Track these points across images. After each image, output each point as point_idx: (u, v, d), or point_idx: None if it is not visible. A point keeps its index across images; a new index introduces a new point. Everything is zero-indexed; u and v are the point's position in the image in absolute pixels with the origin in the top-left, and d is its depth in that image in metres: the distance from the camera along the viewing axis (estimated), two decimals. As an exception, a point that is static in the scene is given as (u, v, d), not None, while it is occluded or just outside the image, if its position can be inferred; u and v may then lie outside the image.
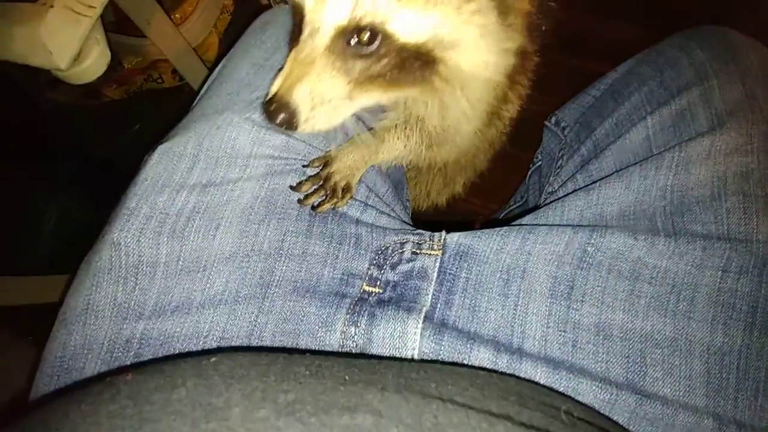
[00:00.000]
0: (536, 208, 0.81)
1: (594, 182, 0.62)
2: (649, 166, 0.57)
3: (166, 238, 0.54)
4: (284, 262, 0.56)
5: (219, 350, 0.48)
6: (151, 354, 0.50)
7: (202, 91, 0.69)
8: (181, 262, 0.54)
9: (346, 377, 0.32)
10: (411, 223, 0.70)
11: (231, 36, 1.40)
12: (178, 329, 0.51)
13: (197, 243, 0.55)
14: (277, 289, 0.54)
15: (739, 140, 0.55)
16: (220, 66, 0.72)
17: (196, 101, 0.69)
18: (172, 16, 1.37)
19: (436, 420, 0.28)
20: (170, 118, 0.69)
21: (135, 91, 1.58)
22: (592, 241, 0.53)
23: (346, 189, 0.61)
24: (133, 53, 1.41)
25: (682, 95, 0.61)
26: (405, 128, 0.66)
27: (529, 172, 0.94)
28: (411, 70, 0.51)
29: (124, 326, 0.51)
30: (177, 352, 0.50)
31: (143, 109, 1.55)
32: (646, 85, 0.66)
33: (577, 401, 0.45)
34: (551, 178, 0.77)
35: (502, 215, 1.04)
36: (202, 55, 1.41)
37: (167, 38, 1.18)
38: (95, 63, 0.79)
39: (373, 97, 0.52)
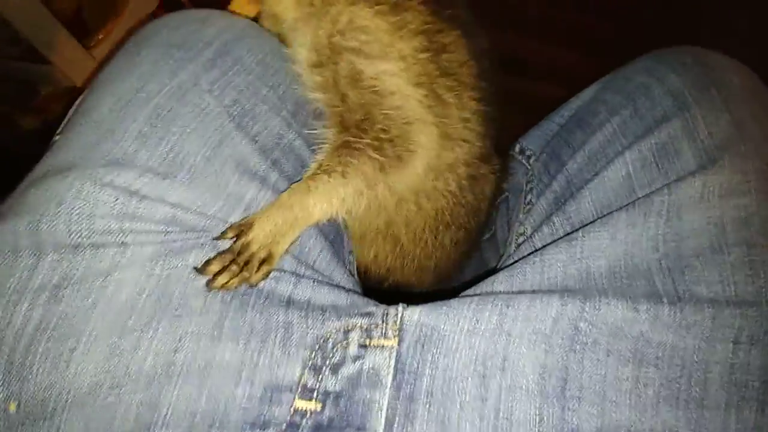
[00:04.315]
0: (501, 249, 0.72)
1: (575, 229, 0.54)
2: (635, 212, 0.50)
3: None
4: (176, 386, 0.41)
5: None
6: None
7: (54, 138, 0.52)
8: (22, 409, 0.39)
9: None
10: (357, 290, 0.57)
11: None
12: None
13: (43, 377, 0.40)
14: None
15: (733, 179, 0.48)
16: (79, 100, 0.55)
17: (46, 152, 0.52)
18: (96, 37, 1.22)
19: None
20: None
21: (54, 120, 1.43)
22: (585, 315, 0.43)
23: (266, 260, 0.49)
24: (46, 81, 1.26)
25: (662, 127, 0.54)
26: (337, 153, 0.54)
27: (496, 203, 0.85)
28: None
29: None
30: None
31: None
32: (618, 115, 0.59)
33: None
34: (521, 215, 0.69)
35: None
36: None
37: (76, 63, 1.04)
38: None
39: None
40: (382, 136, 0.55)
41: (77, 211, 0.44)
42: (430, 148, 0.57)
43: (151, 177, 0.47)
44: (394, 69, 0.55)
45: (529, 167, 0.73)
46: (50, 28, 0.96)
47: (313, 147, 0.59)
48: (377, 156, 0.55)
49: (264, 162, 0.53)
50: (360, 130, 0.55)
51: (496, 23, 1.52)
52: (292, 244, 0.52)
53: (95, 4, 1.18)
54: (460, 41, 0.59)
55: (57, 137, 0.52)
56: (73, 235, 0.43)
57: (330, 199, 0.53)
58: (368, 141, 0.54)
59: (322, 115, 0.60)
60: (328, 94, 0.58)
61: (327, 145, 0.57)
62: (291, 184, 0.54)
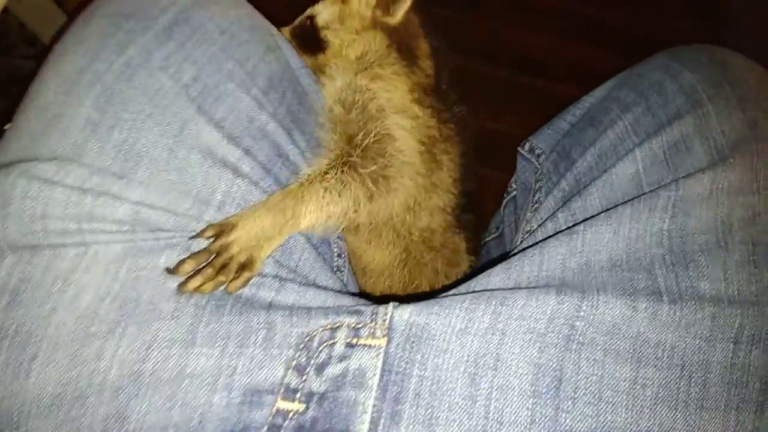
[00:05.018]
0: (508, 248, 0.72)
1: (578, 223, 0.53)
2: (641, 207, 0.49)
3: None
4: (145, 397, 0.38)
5: None
6: None
7: (5, 126, 0.48)
8: None
9: None
10: (348, 290, 0.56)
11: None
12: None
13: (5, 386, 0.38)
14: None
15: (743, 177, 0.48)
16: (31, 85, 0.49)
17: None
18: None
19: None
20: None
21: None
22: (582, 313, 0.42)
23: (246, 265, 0.45)
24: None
25: (674, 125, 0.53)
26: (340, 170, 0.56)
27: (504, 202, 0.85)
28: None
29: None
30: None
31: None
32: (630, 112, 0.58)
33: None
34: (528, 214, 0.69)
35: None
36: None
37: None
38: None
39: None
40: (381, 172, 0.59)
41: (28, 212, 0.41)
42: (412, 191, 0.63)
43: (105, 175, 0.43)
44: (406, 125, 0.62)
45: (538, 166, 0.73)
46: (65, 27, 0.97)
47: (291, 131, 0.57)
48: (372, 187, 0.58)
49: (234, 151, 0.49)
50: (367, 158, 0.58)
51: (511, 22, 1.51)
52: (274, 250, 0.50)
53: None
54: (453, 123, 0.70)
55: (7, 126, 0.48)
56: (28, 235, 0.41)
57: (320, 213, 0.54)
58: (370, 171, 0.58)
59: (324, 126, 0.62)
60: (351, 115, 0.61)
61: (329, 153, 0.59)
62: (266, 173, 0.52)
